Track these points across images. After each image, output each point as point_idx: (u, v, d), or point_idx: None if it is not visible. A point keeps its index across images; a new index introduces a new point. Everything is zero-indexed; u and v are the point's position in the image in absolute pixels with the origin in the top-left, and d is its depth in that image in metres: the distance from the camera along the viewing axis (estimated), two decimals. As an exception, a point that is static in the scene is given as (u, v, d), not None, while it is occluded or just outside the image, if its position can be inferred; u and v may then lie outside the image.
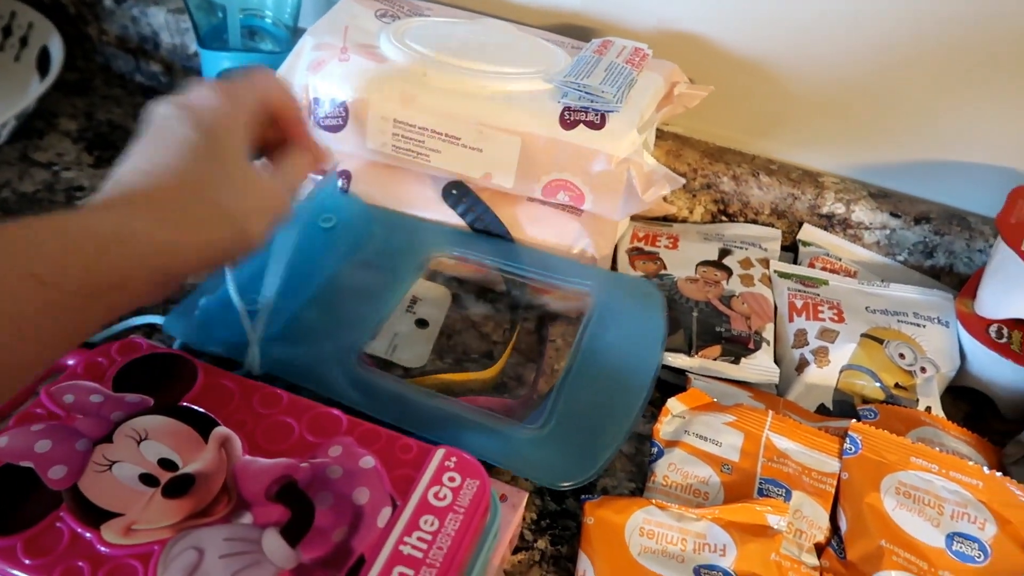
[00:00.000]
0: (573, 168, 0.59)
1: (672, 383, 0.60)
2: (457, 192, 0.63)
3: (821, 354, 0.58)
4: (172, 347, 0.49)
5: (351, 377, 0.52)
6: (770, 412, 0.54)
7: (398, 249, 0.62)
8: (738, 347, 0.59)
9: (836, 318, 0.61)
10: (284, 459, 0.41)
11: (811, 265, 0.68)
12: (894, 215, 0.68)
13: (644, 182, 0.59)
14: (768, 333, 0.61)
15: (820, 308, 0.62)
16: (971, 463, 0.51)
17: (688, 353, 0.59)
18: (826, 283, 0.65)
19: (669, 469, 0.51)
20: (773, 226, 0.72)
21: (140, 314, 0.61)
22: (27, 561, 0.35)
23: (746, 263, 0.66)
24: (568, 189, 0.60)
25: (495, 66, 0.61)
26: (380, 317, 0.57)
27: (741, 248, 0.68)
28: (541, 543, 0.50)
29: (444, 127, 0.60)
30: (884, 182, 0.71)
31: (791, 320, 0.61)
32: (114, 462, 0.40)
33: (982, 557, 0.47)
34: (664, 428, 0.54)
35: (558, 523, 0.51)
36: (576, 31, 0.71)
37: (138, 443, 0.40)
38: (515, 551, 0.49)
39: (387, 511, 0.39)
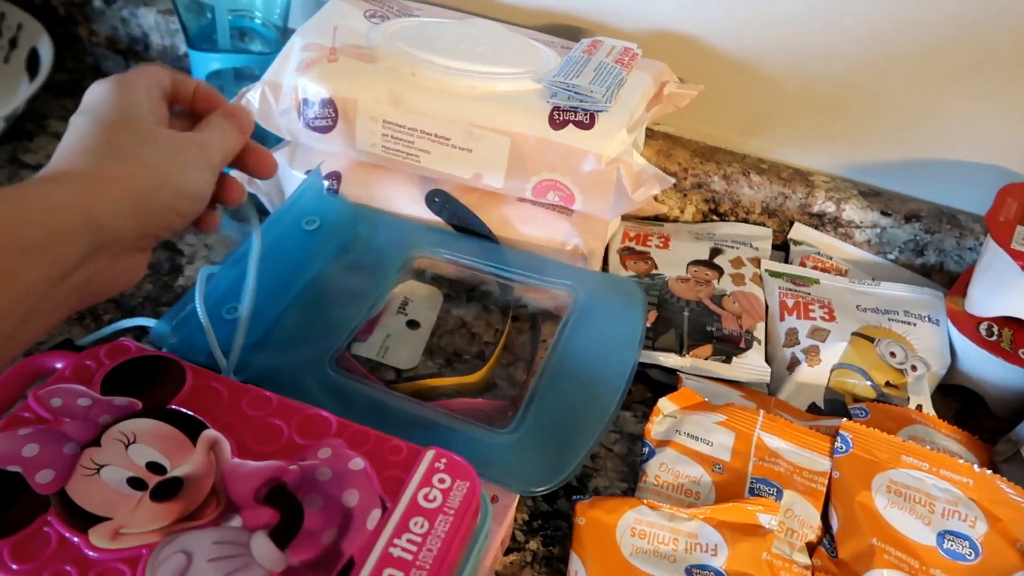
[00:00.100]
0: (563, 168, 0.59)
1: (663, 382, 0.60)
2: (439, 200, 0.63)
3: (812, 353, 0.58)
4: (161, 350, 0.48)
5: (325, 383, 0.52)
6: (761, 411, 0.54)
7: (382, 250, 0.61)
8: (729, 346, 0.59)
9: (827, 317, 0.61)
10: (273, 462, 0.40)
11: (802, 264, 0.68)
12: (884, 214, 0.68)
13: (634, 182, 0.59)
14: (759, 332, 0.61)
15: (811, 307, 0.62)
16: (962, 461, 0.51)
17: (679, 352, 0.59)
18: (817, 282, 0.65)
19: (660, 469, 0.51)
20: (764, 225, 0.72)
21: (130, 316, 0.60)
22: (14, 566, 0.35)
23: (737, 262, 0.66)
24: (558, 189, 0.60)
25: (484, 66, 0.61)
26: (360, 320, 0.57)
27: (732, 247, 0.68)
28: (533, 544, 0.50)
29: (433, 127, 0.60)
30: (874, 181, 0.71)
31: (782, 319, 0.61)
32: (102, 466, 0.39)
33: (973, 555, 0.47)
34: (655, 428, 0.54)
35: (550, 524, 0.51)
36: (566, 31, 0.71)
37: (126, 446, 0.40)
38: (507, 552, 0.49)
39: (377, 513, 0.38)
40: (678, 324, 0.60)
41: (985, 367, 0.59)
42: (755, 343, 0.60)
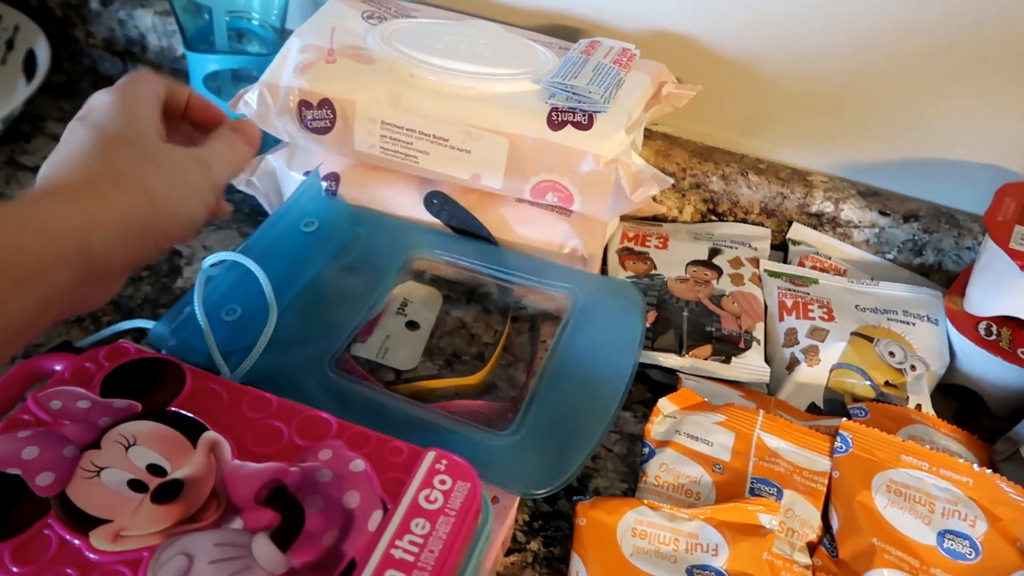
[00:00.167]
0: (561, 169, 0.59)
1: (663, 383, 0.60)
2: (438, 202, 0.63)
3: (811, 353, 0.59)
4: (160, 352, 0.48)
5: (324, 384, 0.52)
6: (761, 411, 0.54)
7: (381, 251, 0.61)
8: (729, 346, 0.59)
9: (826, 317, 0.61)
10: (273, 463, 0.40)
11: (801, 264, 0.68)
12: (883, 213, 0.68)
13: (632, 182, 0.59)
14: (758, 332, 0.61)
15: (810, 307, 0.62)
16: (961, 460, 0.51)
17: (679, 353, 0.59)
18: (816, 282, 0.65)
19: (661, 469, 0.51)
20: (763, 225, 0.72)
21: (128, 318, 0.60)
22: (15, 569, 0.35)
23: (736, 262, 0.66)
24: (557, 190, 0.60)
25: (483, 67, 0.61)
26: (360, 321, 0.57)
27: (731, 247, 0.68)
28: (534, 545, 0.50)
29: (432, 129, 0.60)
30: (873, 180, 0.71)
31: (781, 319, 0.61)
32: (102, 468, 0.39)
33: (973, 554, 0.47)
34: (655, 428, 0.54)
35: (550, 524, 0.51)
36: (563, 31, 0.71)
37: (126, 449, 0.40)
38: (508, 553, 0.49)
39: (378, 514, 0.38)
40: (677, 324, 0.60)
41: (984, 366, 0.59)
42: (754, 343, 0.60)
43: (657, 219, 0.75)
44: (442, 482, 0.40)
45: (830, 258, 0.69)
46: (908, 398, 0.57)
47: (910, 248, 0.68)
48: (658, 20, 0.69)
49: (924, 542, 0.48)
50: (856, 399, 0.57)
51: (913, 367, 0.58)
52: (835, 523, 0.49)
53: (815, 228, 0.71)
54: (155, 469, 0.40)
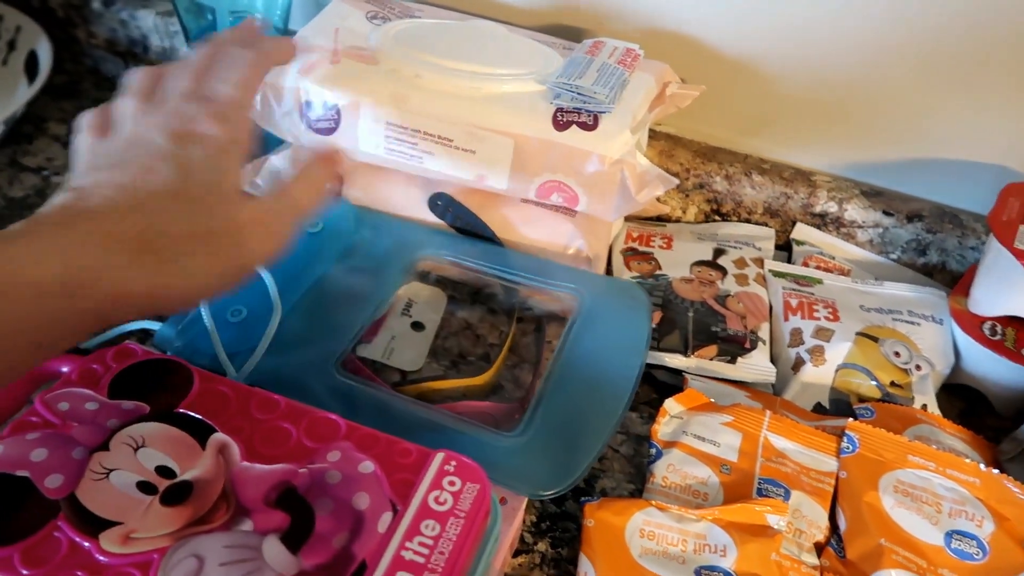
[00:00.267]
0: (566, 169, 0.59)
1: (669, 383, 0.60)
2: (442, 203, 0.63)
3: (817, 353, 0.59)
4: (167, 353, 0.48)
5: (331, 386, 0.52)
6: (767, 412, 0.54)
7: (386, 252, 0.61)
8: (734, 347, 0.59)
9: (831, 317, 0.61)
10: (282, 465, 0.40)
11: (805, 264, 0.68)
12: (887, 213, 0.68)
13: (638, 183, 0.59)
14: (764, 332, 0.61)
15: (815, 307, 0.62)
16: (968, 460, 0.51)
17: (684, 353, 0.59)
18: (820, 282, 0.65)
19: (668, 470, 0.51)
20: (766, 225, 0.72)
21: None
22: (25, 571, 0.35)
23: (740, 262, 0.66)
24: (562, 190, 0.60)
25: (487, 67, 0.61)
26: (365, 322, 0.57)
27: (735, 247, 0.68)
28: (541, 546, 0.50)
29: (437, 129, 0.60)
30: (876, 180, 0.71)
31: (786, 319, 0.61)
32: (111, 470, 0.39)
33: (981, 555, 0.47)
34: (662, 429, 0.54)
35: (558, 525, 0.51)
36: (567, 31, 0.71)
37: (135, 450, 0.40)
38: (515, 554, 0.49)
39: (388, 516, 0.38)
40: (683, 325, 0.60)
41: (989, 366, 0.59)
42: (760, 343, 0.60)
43: (661, 219, 0.74)
44: (451, 483, 0.40)
45: (834, 258, 0.69)
46: (914, 398, 0.57)
47: (914, 248, 0.69)
48: (661, 20, 0.69)
49: (932, 542, 0.48)
50: (862, 399, 0.57)
51: (918, 367, 0.58)
52: (842, 524, 0.49)
53: (819, 228, 0.71)
54: (164, 471, 0.39)
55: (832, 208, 0.69)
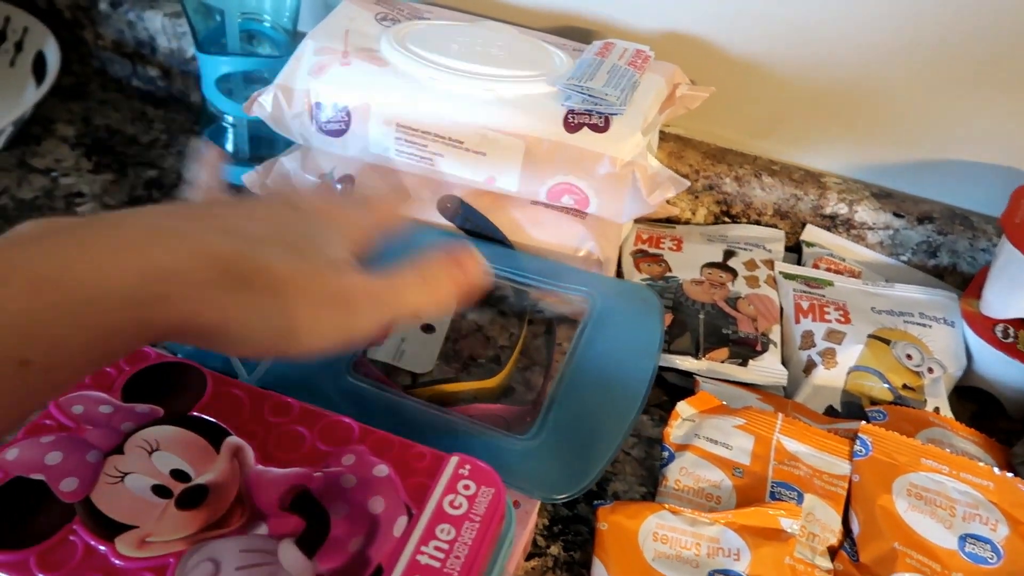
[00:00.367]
0: (578, 171, 0.59)
1: (679, 386, 0.60)
2: (452, 205, 0.63)
3: (828, 355, 0.58)
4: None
5: (342, 388, 0.51)
6: (779, 415, 0.54)
7: (395, 254, 0.61)
8: (745, 349, 0.59)
9: (842, 319, 0.61)
10: (297, 468, 0.40)
11: (815, 266, 0.68)
12: (897, 215, 0.68)
13: (649, 184, 0.59)
14: (775, 335, 0.61)
15: (826, 309, 0.62)
16: (981, 464, 0.51)
17: (695, 356, 0.59)
18: (831, 284, 0.65)
19: (680, 473, 0.51)
20: (776, 227, 0.72)
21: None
22: (41, 575, 0.35)
23: (751, 264, 0.66)
24: (573, 192, 0.60)
25: (498, 69, 0.61)
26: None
27: (745, 249, 0.67)
28: (554, 549, 0.50)
29: (447, 131, 0.60)
30: (887, 182, 0.71)
31: (797, 321, 0.61)
32: (126, 473, 0.39)
33: (995, 558, 0.47)
34: (674, 432, 0.54)
35: (570, 528, 0.51)
36: (576, 33, 0.71)
37: (150, 454, 0.40)
38: (528, 557, 0.49)
39: (403, 520, 0.38)
40: (693, 327, 0.60)
41: (1001, 369, 0.59)
42: (771, 346, 0.60)
43: (670, 221, 0.74)
44: (466, 487, 0.40)
45: (844, 260, 0.69)
46: (926, 401, 0.57)
47: (924, 250, 0.68)
48: (671, 21, 0.69)
49: (945, 546, 0.48)
50: (874, 402, 0.57)
51: (930, 369, 0.58)
52: (856, 527, 0.49)
53: (829, 230, 0.70)
54: (179, 474, 0.39)
55: (842, 210, 0.69)
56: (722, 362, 0.58)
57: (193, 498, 0.38)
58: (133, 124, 0.81)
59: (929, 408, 0.57)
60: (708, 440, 0.52)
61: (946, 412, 0.57)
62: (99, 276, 0.30)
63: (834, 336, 0.59)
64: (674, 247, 0.68)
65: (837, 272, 0.67)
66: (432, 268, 0.41)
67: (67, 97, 0.83)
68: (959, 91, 0.64)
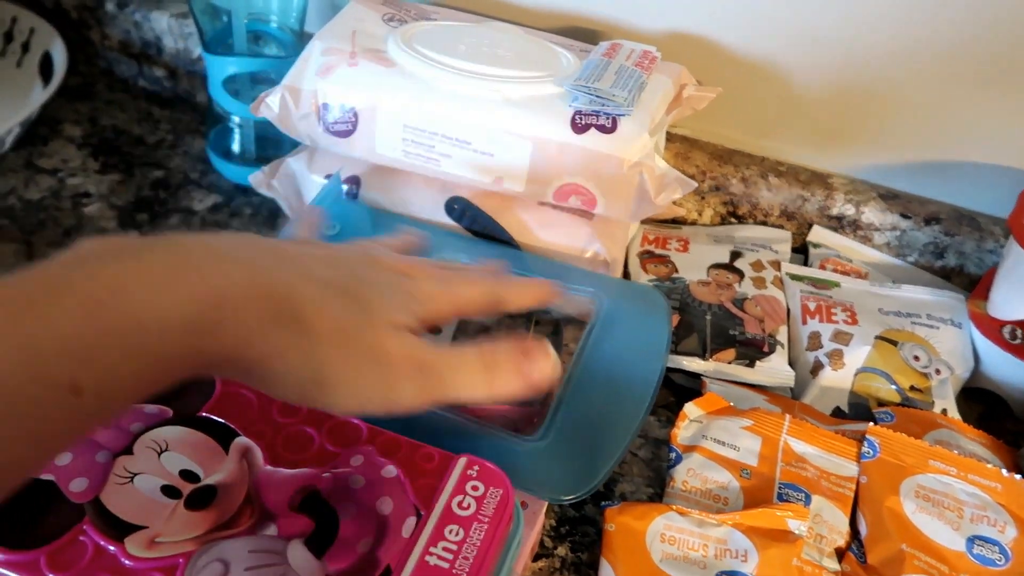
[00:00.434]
0: (585, 172, 0.59)
1: (686, 387, 0.60)
2: (459, 207, 0.63)
3: (836, 356, 0.58)
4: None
5: None
6: (787, 416, 0.54)
7: (402, 255, 0.61)
8: (752, 350, 0.59)
9: (850, 320, 0.61)
10: (306, 469, 0.40)
11: (822, 267, 0.68)
12: (904, 216, 0.68)
13: (656, 185, 0.59)
14: (782, 336, 0.60)
15: (833, 310, 0.61)
16: (989, 466, 0.51)
17: (702, 357, 0.59)
18: (838, 285, 0.65)
19: (688, 474, 0.51)
20: (783, 228, 0.72)
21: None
22: (51, 575, 0.35)
23: (757, 265, 0.66)
24: (580, 193, 0.60)
25: (505, 70, 0.61)
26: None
27: (752, 250, 0.67)
28: (561, 550, 0.50)
29: (454, 132, 0.60)
30: (894, 183, 0.71)
31: (804, 322, 0.61)
32: (135, 474, 0.39)
33: (1003, 560, 0.47)
34: (682, 433, 0.54)
35: (578, 529, 0.51)
36: (582, 34, 0.71)
37: (159, 454, 0.40)
38: (536, 558, 0.49)
39: (412, 521, 0.38)
40: (700, 328, 0.60)
41: (1009, 370, 0.58)
42: (778, 347, 0.59)
43: (677, 222, 0.74)
44: (474, 488, 0.40)
45: (851, 261, 0.68)
46: (934, 402, 0.57)
47: (931, 251, 0.68)
48: (677, 22, 0.69)
49: (953, 548, 0.48)
50: (881, 403, 0.57)
51: (938, 371, 0.58)
52: (863, 529, 0.49)
53: (836, 231, 0.70)
54: (188, 475, 0.39)
55: (849, 211, 0.69)
56: (729, 363, 0.58)
57: (202, 498, 0.39)
58: (139, 124, 0.81)
59: (936, 409, 0.57)
60: (715, 441, 0.52)
61: (953, 414, 0.57)
62: (154, 300, 0.29)
63: (841, 337, 0.59)
64: (681, 248, 0.68)
65: (844, 273, 0.67)
66: (497, 355, 0.38)
67: (74, 97, 0.83)
68: (966, 92, 0.64)
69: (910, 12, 0.62)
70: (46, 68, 0.80)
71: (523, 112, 0.59)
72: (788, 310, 0.63)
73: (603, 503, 0.50)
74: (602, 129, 0.58)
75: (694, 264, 0.66)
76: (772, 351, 0.59)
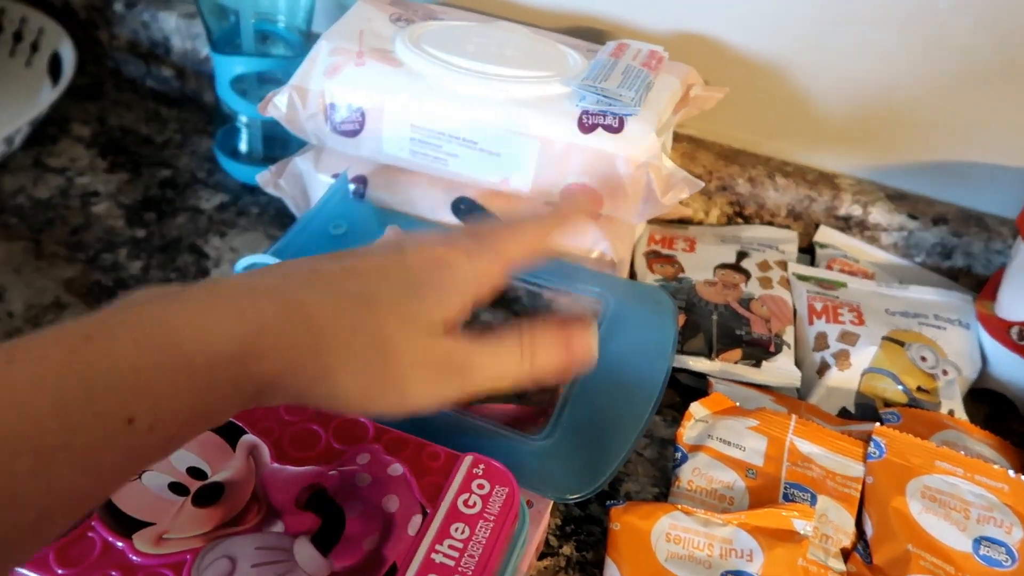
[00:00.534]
0: (591, 172, 0.59)
1: (692, 387, 0.60)
2: (465, 207, 0.63)
3: (842, 357, 0.58)
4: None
5: None
6: (793, 416, 0.54)
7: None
8: (759, 350, 0.59)
9: (856, 321, 0.60)
10: (312, 467, 0.40)
11: (828, 267, 0.68)
12: (911, 216, 0.68)
13: (663, 185, 0.59)
14: (788, 336, 0.60)
15: (840, 311, 0.61)
16: (996, 467, 0.51)
17: (708, 357, 0.59)
18: (844, 285, 0.64)
19: (693, 474, 0.51)
20: (789, 228, 0.72)
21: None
22: (60, 571, 0.35)
23: (764, 265, 0.66)
24: (586, 193, 0.60)
25: (512, 69, 0.61)
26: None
27: (758, 250, 0.67)
28: (566, 549, 0.50)
29: (461, 131, 0.60)
30: (901, 184, 0.70)
31: (811, 323, 0.61)
32: (143, 471, 0.39)
33: (1009, 561, 0.47)
34: (687, 432, 0.54)
35: (583, 529, 0.51)
36: (589, 34, 0.71)
37: (166, 452, 0.40)
38: (541, 557, 0.49)
39: (417, 519, 0.38)
40: (707, 328, 0.60)
41: (1016, 371, 0.58)
42: (784, 347, 0.59)
43: (683, 222, 0.74)
44: (480, 487, 0.40)
45: (858, 261, 0.68)
46: (941, 403, 0.57)
47: (939, 251, 0.68)
48: (685, 22, 0.69)
49: (960, 548, 0.47)
50: (888, 404, 0.57)
51: (945, 372, 0.58)
52: (869, 529, 0.49)
53: (843, 231, 0.70)
54: (195, 472, 0.40)
55: (856, 211, 0.69)
56: (735, 363, 0.58)
57: (209, 496, 0.39)
58: (147, 124, 0.82)
59: (943, 410, 0.56)
60: (721, 441, 0.52)
61: (960, 414, 0.57)
62: (198, 336, 0.31)
63: (848, 338, 0.59)
64: (687, 248, 0.68)
65: (851, 273, 0.67)
66: (537, 338, 0.38)
67: (82, 97, 0.84)
68: (974, 93, 0.64)
69: (918, 12, 0.62)
70: (55, 68, 0.80)
71: (530, 112, 0.59)
72: (795, 310, 0.63)
73: (608, 502, 0.50)
74: (609, 129, 0.58)
75: (700, 264, 0.66)
76: (778, 351, 0.59)
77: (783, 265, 0.66)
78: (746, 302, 0.62)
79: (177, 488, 0.39)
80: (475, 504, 0.39)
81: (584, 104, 0.59)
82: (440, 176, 0.63)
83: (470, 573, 0.36)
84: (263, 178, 0.67)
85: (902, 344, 0.59)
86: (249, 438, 0.41)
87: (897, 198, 0.69)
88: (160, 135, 0.80)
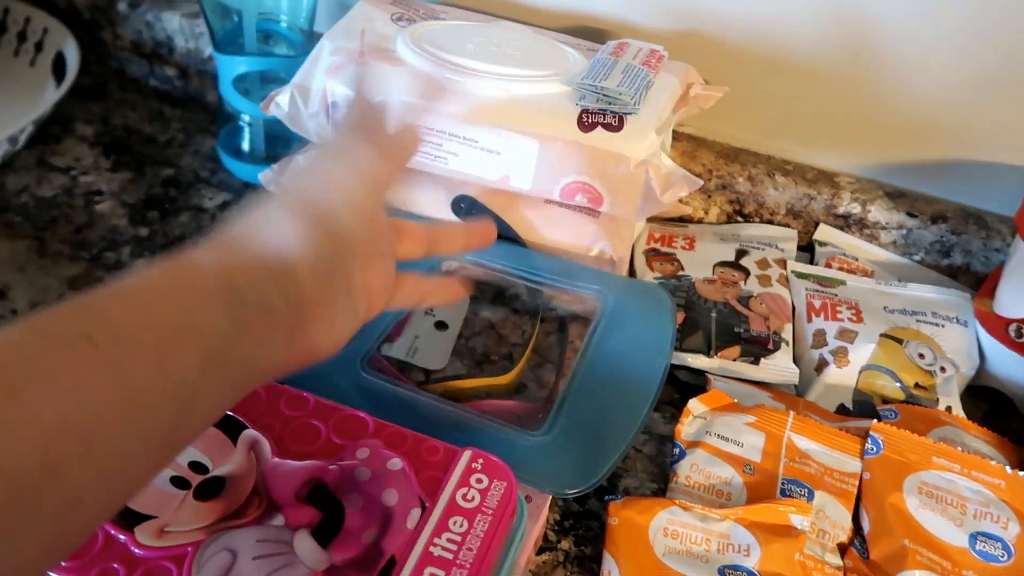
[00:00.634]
0: (591, 171, 0.59)
1: (691, 384, 0.60)
2: (465, 205, 0.63)
3: (840, 354, 0.59)
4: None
5: (357, 384, 0.52)
6: (791, 412, 0.54)
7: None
8: (757, 348, 0.59)
9: (855, 318, 0.61)
10: (313, 461, 0.41)
11: (828, 265, 0.68)
12: (910, 215, 0.68)
13: (663, 184, 0.59)
14: (787, 333, 0.61)
15: (838, 308, 0.62)
16: (993, 463, 0.51)
17: (707, 354, 0.59)
18: (843, 283, 0.65)
19: (691, 470, 0.51)
20: (789, 226, 0.72)
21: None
22: (63, 563, 0.36)
23: (763, 263, 0.66)
24: (586, 191, 0.60)
25: (512, 69, 0.62)
26: (390, 321, 0.57)
27: (758, 248, 0.68)
28: (565, 544, 0.50)
29: (461, 130, 0.60)
30: (900, 182, 0.71)
31: (809, 320, 0.61)
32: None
33: (1006, 556, 0.47)
34: (686, 429, 0.54)
35: (581, 524, 0.51)
36: (591, 33, 0.72)
37: (168, 446, 0.41)
38: (539, 551, 0.49)
39: (416, 512, 0.39)
40: (706, 325, 0.60)
41: (1014, 368, 0.58)
42: (783, 344, 0.60)
43: (683, 220, 0.75)
44: (479, 481, 0.40)
45: (857, 259, 0.69)
46: (938, 400, 0.57)
47: (938, 249, 0.68)
48: (685, 21, 0.69)
49: (956, 544, 0.48)
50: (886, 401, 0.57)
51: (943, 369, 0.58)
52: (866, 525, 0.49)
53: (842, 229, 0.71)
54: (197, 466, 0.40)
55: (855, 209, 0.69)
56: (734, 360, 0.59)
57: (211, 489, 0.39)
58: (151, 123, 0.82)
59: (941, 407, 0.57)
60: (719, 437, 0.53)
61: (958, 411, 0.57)
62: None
63: (846, 335, 0.60)
64: (687, 246, 0.68)
65: (850, 271, 0.67)
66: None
67: (86, 97, 0.84)
68: (973, 91, 0.64)
69: (917, 11, 0.62)
70: (59, 68, 0.81)
71: (530, 110, 0.59)
72: (793, 308, 0.64)
73: (607, 497, 0.50)
74: (609, 127, 0.58)
75: (700, 262, 0.66)
76: (777, 348, 0.59)
77: (782, 263, 0.67)
78: (745, 300, 0.63)
79: (179, 482, 0.39)
80: (473, 498, 0.40)
81: (584, 103, 0.59)
82: (440, 174, 0.63)
83: (468, 566, 0.37)
84: (266, 177, 0.68)
85: (900, 341, 0.59)
86: (250, 433, 0.42)
87: (896, 196, 0.69)
88: (163, 134, 0.81)
